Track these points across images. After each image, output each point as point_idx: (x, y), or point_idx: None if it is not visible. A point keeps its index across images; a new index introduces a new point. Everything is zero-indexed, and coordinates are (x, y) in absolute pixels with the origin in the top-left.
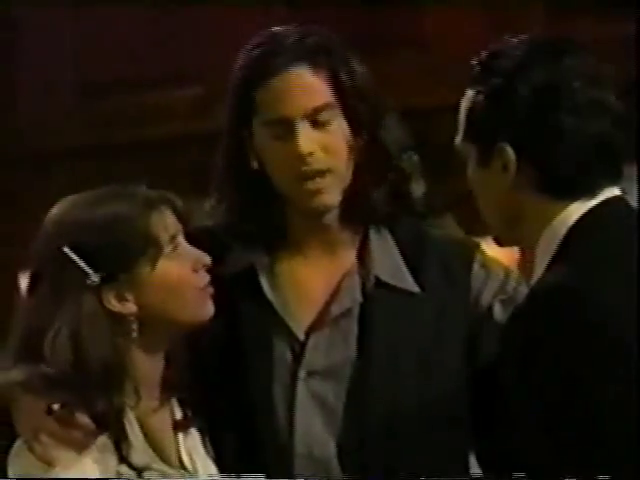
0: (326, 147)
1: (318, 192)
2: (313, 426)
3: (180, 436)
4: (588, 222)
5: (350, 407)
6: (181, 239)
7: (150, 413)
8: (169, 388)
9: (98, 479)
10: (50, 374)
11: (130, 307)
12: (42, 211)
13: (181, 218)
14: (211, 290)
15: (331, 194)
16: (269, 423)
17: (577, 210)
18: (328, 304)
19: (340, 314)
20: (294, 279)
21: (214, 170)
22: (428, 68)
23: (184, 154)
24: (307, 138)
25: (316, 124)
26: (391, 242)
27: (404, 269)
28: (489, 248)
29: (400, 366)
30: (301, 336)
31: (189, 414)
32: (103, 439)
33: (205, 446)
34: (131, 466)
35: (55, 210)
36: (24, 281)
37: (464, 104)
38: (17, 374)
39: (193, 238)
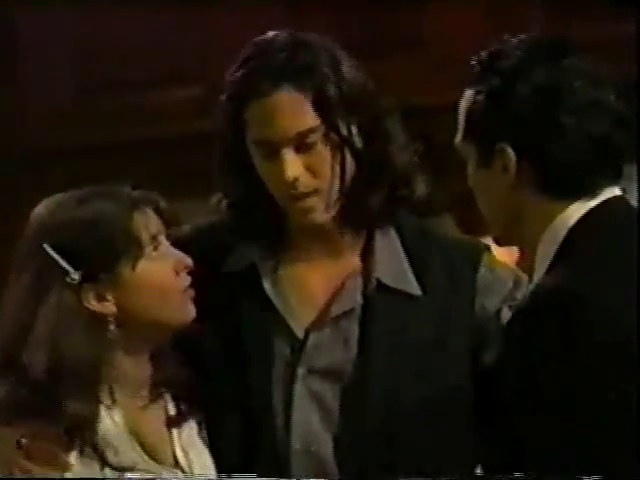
0: (312, 169)
1: (308, 211)
2: (311, 424)
3: (175, 432)
4: (589, 222)
5: (348, 407)
6: (163, 239)
7: (138, 412)
8: (159, 386)
9: (83, 479)
10: (21, 397)
11: (109, 307)
12: None
13: (164, 218)
14: (192, 293)
15: (321, 212)
16: (267, 420)
17: (578, 210)
18: (329, 304)
19: (340, 314)
20: (296, 279)
21: (215, 166)
22: (428, 68)
23: (184, 154)
24: (292, 164)
25: (301, 148)
26: (397, 243)
27: (408, 271)
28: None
29: (399, 368)
30: (301, 335)
31: (183, 409)
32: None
33: (203, 439)
34: (115, 468)
35: (38, 209)
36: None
37: (463, 104)
38: None
39: (195, 235)
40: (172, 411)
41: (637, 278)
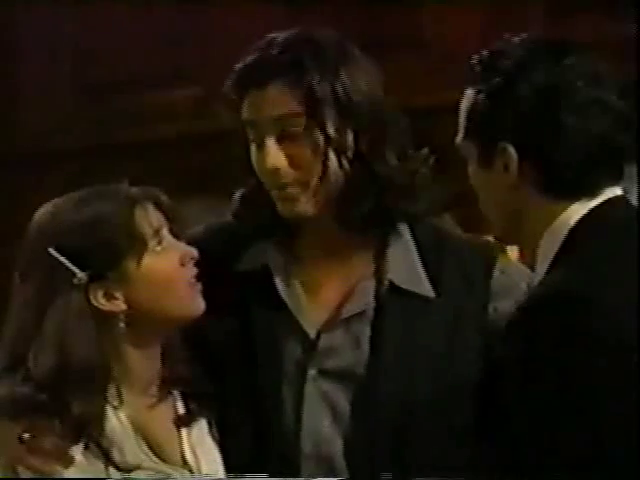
0: (294, 161)
1: (289, 200)
2: (321, 425)
3: (184, 432)
4: (590, 222)
5: (358, 408)
6: (166, 233)
7: (146, 411)
8: (168, 384)
9: (87, 479)
10: (24, 394)
11: (119, 305)
12: None
13: (165, 213)
14: (199, 286)
15: (303, 203)
16: (277, 421)
17: (579, 210)
18: (341, 305)
19: (352, 316)
20: (308, 280)
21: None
22: (428, 68)
23: (184, 154)
24: (273, 153)
25: (283, 138)
26: (411, 245)
27: (421, 273)
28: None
29: (411, 370)
30: (312, 335)
31: (193, 408)
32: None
33: (214, 438)
34: (119, 467)
35: (38, 215)
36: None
37: (464, 103)
38: None
39: (208, 235)
40: (181, 410)
41: (638, 278)
